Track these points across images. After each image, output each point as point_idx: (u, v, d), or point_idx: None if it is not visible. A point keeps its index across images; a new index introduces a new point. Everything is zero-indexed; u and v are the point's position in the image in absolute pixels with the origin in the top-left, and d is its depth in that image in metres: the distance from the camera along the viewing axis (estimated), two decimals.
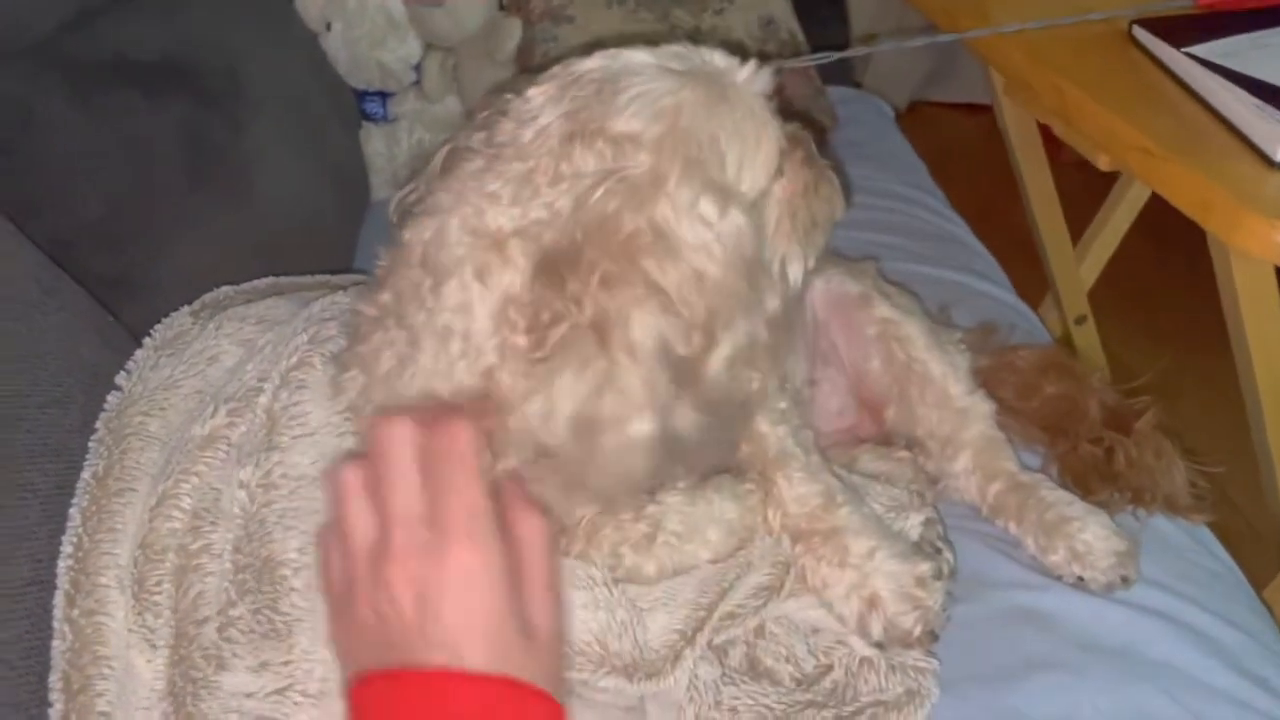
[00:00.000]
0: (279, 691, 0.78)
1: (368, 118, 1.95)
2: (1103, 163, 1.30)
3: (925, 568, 0.93)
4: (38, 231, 1.09)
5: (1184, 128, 1.18)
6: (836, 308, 1.23)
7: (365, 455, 0.70)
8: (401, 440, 0.68)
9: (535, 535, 0.72)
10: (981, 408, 1.15)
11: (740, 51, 1.90)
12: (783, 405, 0.98)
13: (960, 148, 3.22)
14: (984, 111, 3.69)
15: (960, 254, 1.65)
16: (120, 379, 0.98)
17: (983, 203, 1.95)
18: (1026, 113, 1.66)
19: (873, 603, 0.91)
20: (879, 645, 0.92)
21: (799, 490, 0.94)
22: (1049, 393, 1.25)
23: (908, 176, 1.85)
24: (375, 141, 1.93)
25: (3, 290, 0.95)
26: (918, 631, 0.91)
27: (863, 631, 0.92)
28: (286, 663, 0.79)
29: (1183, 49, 1.22)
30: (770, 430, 0.97)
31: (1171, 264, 2.12)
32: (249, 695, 0.79)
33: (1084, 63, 1.29)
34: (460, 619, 0.66)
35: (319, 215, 1.64)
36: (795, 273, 0.88)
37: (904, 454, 1.17)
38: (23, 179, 1.12)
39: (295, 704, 0.77)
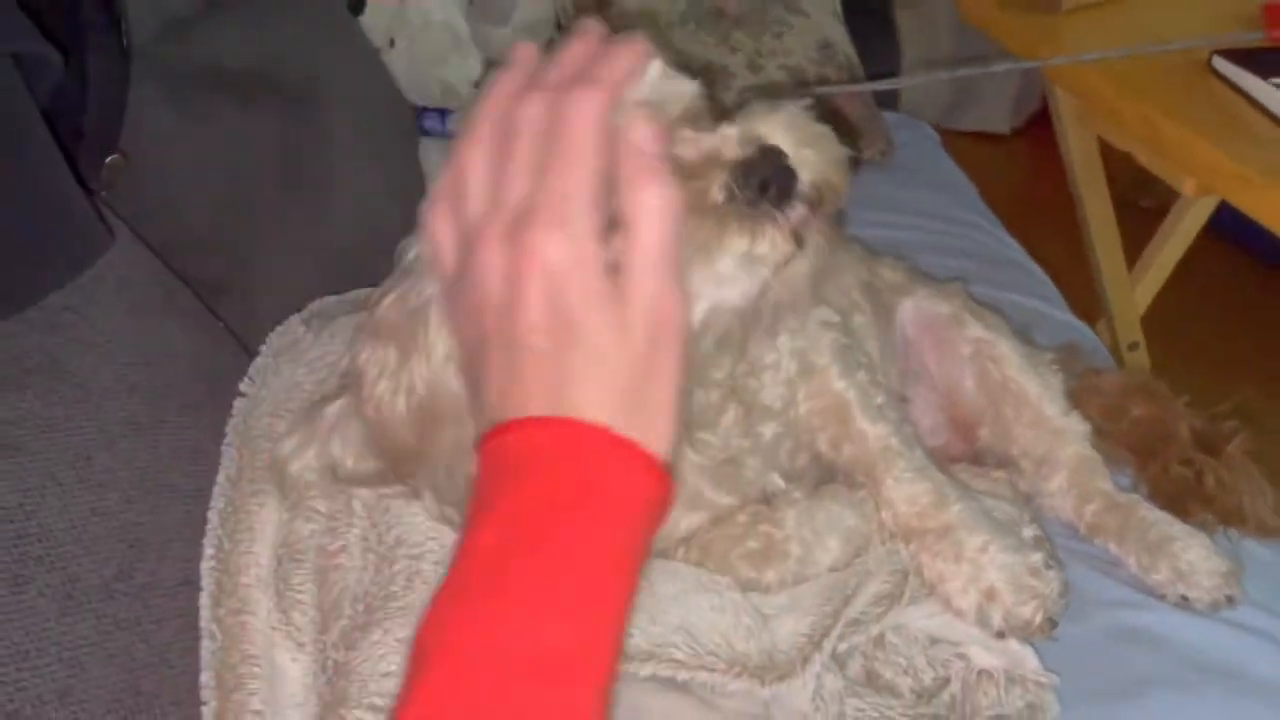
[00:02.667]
0: None
1: (425, 133, 1.97)
2: (1189, 187, 1.32)
3: (1038, 557, 0.94)
4: (149, 237, 1.10)
5: (1276, 155, 1.20)
6: (927, 327, 1.25)
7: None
8: (527, 113, 0.62)
9: (653, 212, 0.62)
10: (1077, 428, 1.17)
11: (799, 76, 1.93)
12: (879, 401, 1.00)
13: (981, 177, 3.26)
14: (1001, 141, 3.77)
15: (1024, 279, 1.67)
16: (244, 385, 0.99)
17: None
18: (1089, 140, 1.68)
19: (991, 595, 0.92)
20: (1000, 635, 0.93)
21: (908, 489, 0.96)
22: (1136, 415, 1.26)
23: (964, 201, 1.88)
24: (434, 157, 1.94)
25: (130, 294, 0.95)
26: (1038, 619, 0.92)
27: (983, 623, 0.93)
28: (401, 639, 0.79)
29: (1270, 79, 1.25)
30: (870, 428, 0.98)
31: (1223, 294, 2.16)
32: (386, 675, 0.79)
33: (1169, 92, 1.32)
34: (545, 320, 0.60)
35: (389, 227, 1.64)
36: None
37: (999, 474, 1.18)
38: (134, 187, 1.12)
39: None
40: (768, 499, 0.98)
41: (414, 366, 0.74)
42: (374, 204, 1.58)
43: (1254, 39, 1.43)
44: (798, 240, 0.72)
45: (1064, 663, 0.96)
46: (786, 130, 0.73)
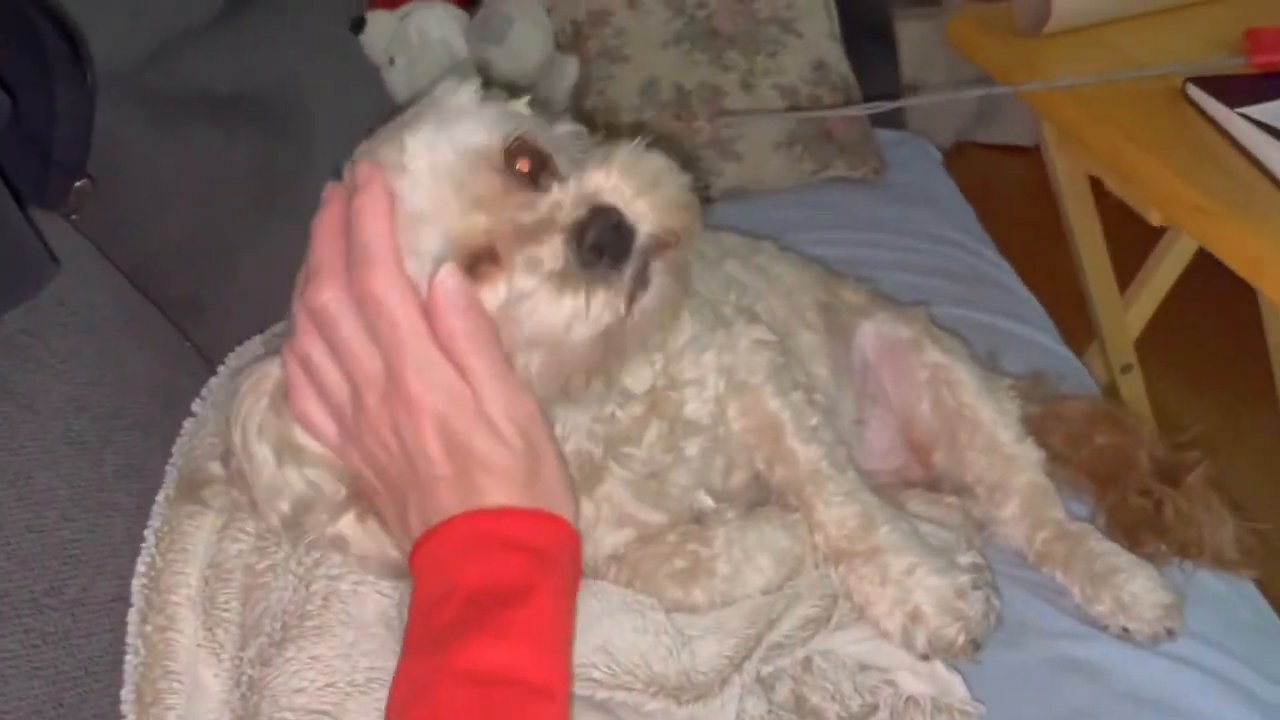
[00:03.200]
0: (329, 685, 0.81)
1: None
2: (1154, 218, 1.32)
3: (964, 579, 0.95)
4: (118, 254, 1.14)
5: (1237, 186, 1.19)
6: (887, 351, 1.26)
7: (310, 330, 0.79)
8: (336, 309, 0.76)
9: (471, 353, 0.76)
10: (1031, 455, 1.17)
11: (792, 96, 1.93)
12: (813, 422, 1.01)
13: (1004, 190, 3.23)
14: (1028, 154, 3.72)
15: (1008, 300, 1.67)
16: (195, 404, 1.02)
17: (1026, 247, 1.97)
18: (1076, 166, 1.67)
19: (916, 616, 0.93)
20: (925, 656, 0.94)
21: (837, 512, 0.97)
22: (1099, 443, 1.26)
23: (955, 220, 1.87)
24: None
25: (90, 315, 0.99)
26: (961, 641, 0.93)
27: (908, 644, 0.93)
28: (336, 656, 0.82)
29: (1236, 109, 1.24)
30: (802, 449, 0.99)
31: (1219, 316, 2.13)
32: (298, 691, 0.81)
33: (1138, 118, 1.31)
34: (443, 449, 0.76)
35: None
36: None
37: (952, 500, 1.19)
38: (106, 204, 1.16)
39: (345, 694, 0.81)
40: (699, 518, 0.99)
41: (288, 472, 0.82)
42: None
43: (1235, 65, 1.42)
44: (637, 289, 0.76)
45: (999, 691, 0.97)
46: (622, 180, 0.76)
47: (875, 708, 0.96)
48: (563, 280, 0.74)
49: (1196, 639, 1.05)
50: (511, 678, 0.70)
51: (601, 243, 0.74)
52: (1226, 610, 1.12)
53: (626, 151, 0.78)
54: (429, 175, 0.75)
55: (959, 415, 1.19)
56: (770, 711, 0.94)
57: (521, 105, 0.85)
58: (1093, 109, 1.34)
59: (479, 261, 0.76)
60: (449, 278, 0.75)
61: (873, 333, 1.27)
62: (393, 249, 0.75)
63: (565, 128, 0.90)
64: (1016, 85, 1.42)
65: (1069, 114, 1.39)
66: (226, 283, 1.31)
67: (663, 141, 0.82)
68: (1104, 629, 1.06)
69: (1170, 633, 1.04)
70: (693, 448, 0.98)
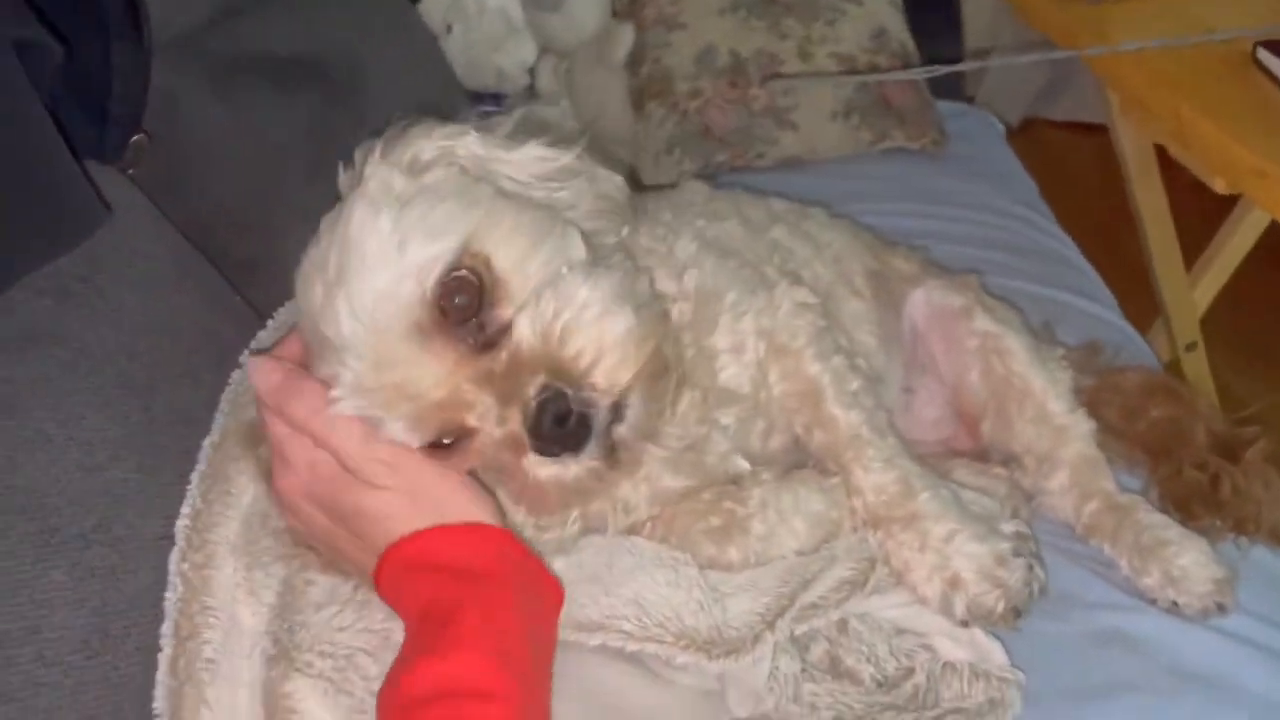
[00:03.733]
0: (368, 630, 0.83)
1: None
2: (1219, 186, 1.28)
3: (1005, 547, 0.93)
4: (177, 213, 1.17)
5: None
6: (937, 319, 1.24)
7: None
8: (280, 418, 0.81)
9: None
10: (1081, 426, 1.14)
11: (850, 64, 1.91)
12: (854, 386, 0.99)
13: (1072, 168, 3.16)
14: (1099, 132, 3.59)
15: (1067, 274, 1.63)
16: (244, 357, 1.04)
17: (1093, 225, 1.92)
18: (1143, 133, 1.63)
19: (955, 583, 0.92)
20: (964, 623, 0.92)
21: (876, 478, 0.96)
22: (1154, 416, 1.23)
23: (1017, 193, 1.83)
24: None
25: (144, 265, 1.02)
26: (1000, 608, 0.91)
27: (947, 611, 0.92)
28: (379, 607, 0.84)
29: None
30: (842, 414, 0.98)
31: None
32: (341, 630, 0.84)
33: (1204, 84, 1.27)
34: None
35: None
36: None
37: (1000, 470, 1.17)
38: (166, 164, 1.19)
39: (383, 639, 0.83)
40: (735, 480, 0.99)
41: None
42: None
43: None
44: (612, 442, 0.78)
45: (1039, 660, 0.95)
46: (567, 342, 0.75)
47: (911, 671, 0.95)
48: (536, 453, 0.76)
49: (1248, 615, 1.02)
50: (446, 690, 0.72)
51: (558, 438, 0.75)
52: None
53: (566, 296, 0.76)
54: (371, 367, 0.75)
55: (1009, 384, 1.17)
56: (804, 670, 0.94)
57: (449, 179, 0.81)
58: (1157, 74, 1.30)
59: (450, 432, 0.78)
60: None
61: (923, 301, 1.25)
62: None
63: (532, 154, 0.84)
64: (1081, 50, 1.38)
65: (1134, 80, 1.35)
66: (279, 244, 1.33)
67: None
68: (1152, 602, 1.04)
69: (1221, 608, 1.01)
70: (728, 416, 0.97)
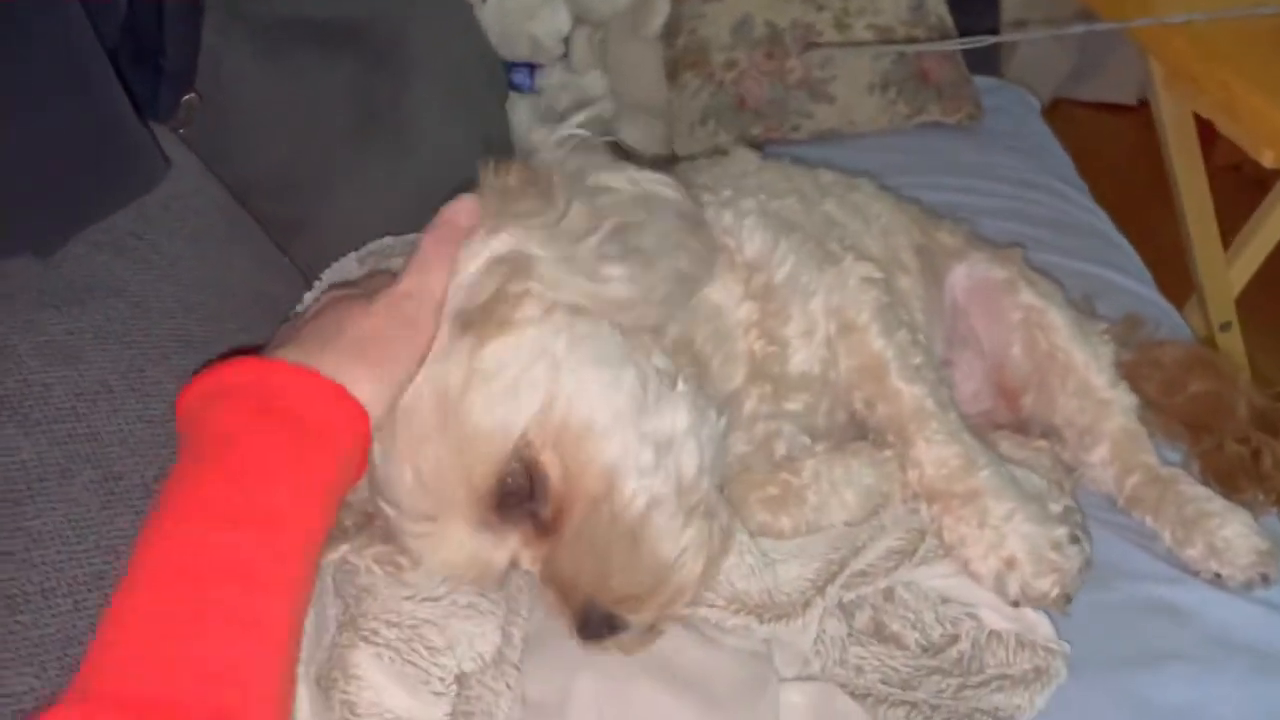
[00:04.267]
0: (432, 600, 0.83)
1: (514, 88, 2.01)
2: (1267, 159, 1.27)
3: (1062, 532, 0.93)
4: (223, 174, 1.18)
5: None
6: (978, 292, 1.24)
7: None
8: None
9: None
10: (1124, 400, 1.15)
11: (887, 36, 1.90)
12: (917, 361, 0.99)
13: (1103, 148, 3.13)
14: (1129, 112, 3.60)
15: (1104, 249, 1.63)
16: (294, 313, 1.05)
17: (1125, 206, 1.90)
18: (1184, 109, 1.62)
19: (1010, 563, 0.92)
20: (1015, 603, 0.93)
21: (939, 451, 0.96)
22: (1194, 390, 1.23)
23: (1053, 168, 1.83)
24: (520, 112, 1.98)
25: (196, 221, 1.02)
26: (1054, 594, 0.92)
27: (1000, 590, 0.93)
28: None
29: None
30: (906, 387, 0.98)
31: None
32: (407, 598, 0.84)
33: (1252, 56, 1.26)
34: None
35: (469, 179, 1.70)
36: None
37: (1041, 443, 1.17)
38: (211, 124, 1.19)
39: (448, 611, 0.83)
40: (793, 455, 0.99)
41: None
42: (454, 155, 1.63)
43: None
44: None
45: (1083, 630, 0.95)
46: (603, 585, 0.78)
47: (956, 638, 0.96)
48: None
49: None
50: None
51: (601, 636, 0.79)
52: None
53: (621, 505, 0.77)
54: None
55: (1051, 358, 1.17)
56: (850, 635, 0.94)
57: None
58: (1205, 45, 1.29)
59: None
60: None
61: (964, 274, 1.25)
62: None
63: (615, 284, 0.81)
64: (1127, 21, 1.37)
65: (1180, 51, 1.34)
66: (323, 207, 1.34)
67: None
68: (1195, 574, 1.04)
69: (1265, 579, 1.01)
70: (798, 403, 0.98)
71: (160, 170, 0.92)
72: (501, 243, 0.79)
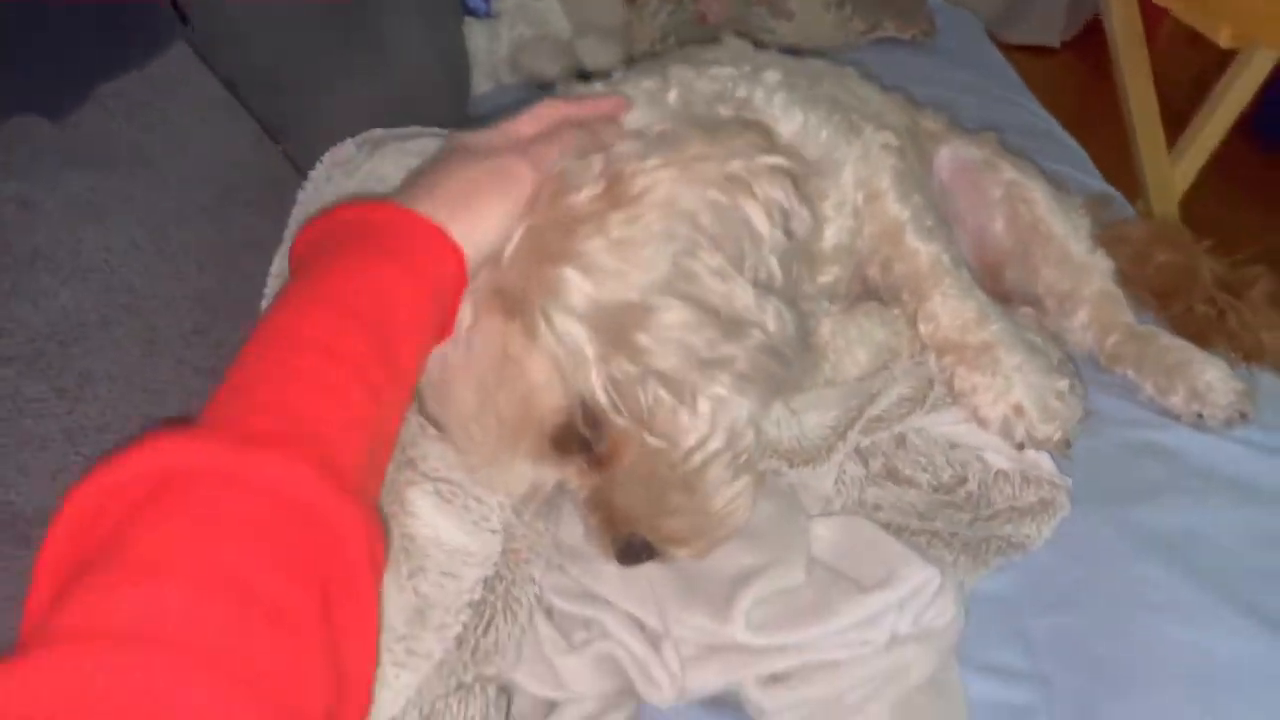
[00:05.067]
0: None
1: (470, 12, 2.00)
2: (1224, 37, 1.32)
3: (1064, 383, 0.99)
4: (217, 70, 1.16)
5: None
6: (962, 171, 1.28)
7: None
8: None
9: None
10: (1102, 265, 1.20)
11: None
12: (929, 222, 1.03)
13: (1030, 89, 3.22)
14: (1051, 55, 3.72)
15: (1059, 150, 1.69)
16: (300, 193, 1.05)
17: None
18: (1131, 6, 1.67)
19: (1018, 410, 0.97)
20: (1020, 447, 0.98)
21: (955, 304, 1.00)
22: (1161, 260, 1.29)
23: (1005, 81, 1.89)
24: (477, 36, 1.97)
25: (202, 99, 1.01)
26: (1057, 438, 0.97)
27: (1006, 434, 0.98)
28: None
29: None
30: (923, 246, 1.02)
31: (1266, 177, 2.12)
32: (440, 456, 0.85)
33: None
34: None
35: (436, 95, 1.69)
36: None
37: (1027, 310, 1.22)
38: (199, 23, 1.17)
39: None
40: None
41: None
42: (423, 74, 1.63)
43: None
44: None
45: (1079, 470, 1.01)
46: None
47: (964, 480, 1.00)
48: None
49: (1261, 427, 1.09)
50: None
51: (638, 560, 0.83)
52: None
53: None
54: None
55: (1033, 230, 1.22)
56: (867, 476, 0.98)
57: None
58: None
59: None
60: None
61: (949, 156, 1.29)
62: None
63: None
64: None
65: None
66: (311, 109, 1.33)
67: None
68: (1177, 418, 1.10)
69: (1244, 416, 1.08)
70: (829, 275, 1.01)
71: (170, 30, 0.92)
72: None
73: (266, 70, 1.28)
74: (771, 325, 0.79)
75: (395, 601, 0.77)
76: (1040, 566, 0.96)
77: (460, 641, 0.79)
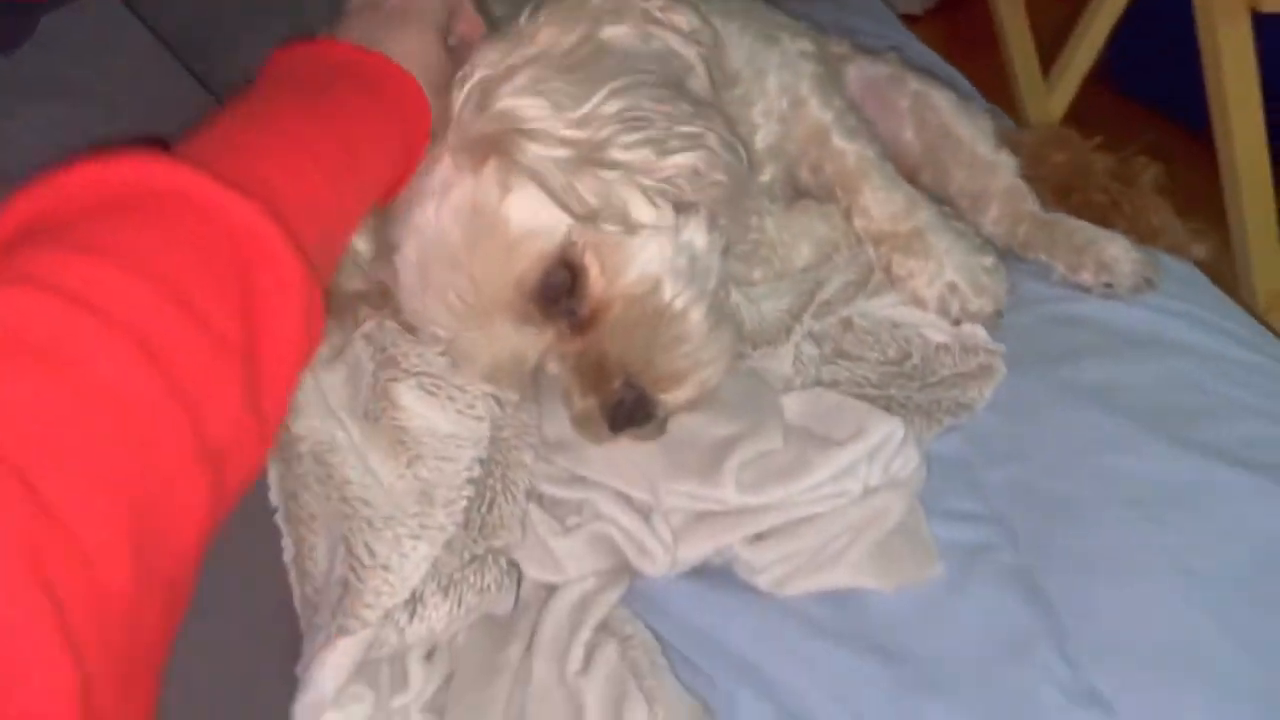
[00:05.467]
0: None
1: None
2: None
3: (990, 259, 1.08)
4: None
5: None
6: (870, 88, 1.35)
7: None
8: None
9: None
10: (1007, 162, 1.29)
11: None
12: (852, 122, 1.11)
13: None
14: (914, 22, 3.87)
15: (948, 81, 1.79)
16: None
17: None
18: None
19: (952, 288, 1.06)
20: (956, 322, 1.06)
21: (884, 196, 1.08)
22: (1055, 160, 1.39)
23: (881, 19, 1.99)
24: None
25: (141, 41, 1.02)
26: (989, 310, 1.06)
27: (943, 311, 1.06)
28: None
29: None
30: (848, 145, 1.09)
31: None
32: (420, 356, 0.88)
33: None
34: None
35: None
36: None
37: (944, 209, 1.30)
38: None
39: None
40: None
41: None
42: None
43: None
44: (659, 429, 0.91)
45: (1009, 339, 1.09)
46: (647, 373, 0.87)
47: (909, 354, 1.08)
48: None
49: (1168, 295, 1.19)
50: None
51: (627, 425, 0.87)
52: (1188, 279, 1.26)
53: (658, 304, 0.86)
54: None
55: (943, 135, 1.30)
56: (821, 356, 1.05)
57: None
58: None
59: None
60: None
61: (856, 74, 1.36)
62: None
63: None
64: None
65: None
66: (229, 65, 1.33)
67: None
68: (1088, 291, 1.19)
69: (1149, 283, 1.17)
70: (766, 175, 1.08)
71: None
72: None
73: (186, 28, 1.27)
74: (714, 140, 0.85)
75: (399, 488, 0.80)
76: (985, 426, 1.04)
77: (467, 520, 0.82)
